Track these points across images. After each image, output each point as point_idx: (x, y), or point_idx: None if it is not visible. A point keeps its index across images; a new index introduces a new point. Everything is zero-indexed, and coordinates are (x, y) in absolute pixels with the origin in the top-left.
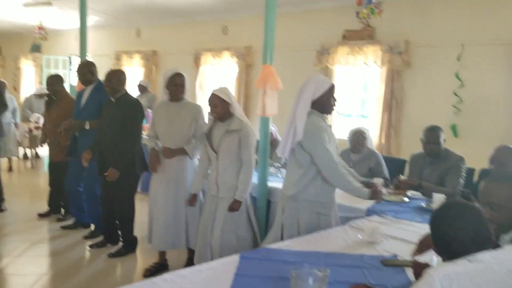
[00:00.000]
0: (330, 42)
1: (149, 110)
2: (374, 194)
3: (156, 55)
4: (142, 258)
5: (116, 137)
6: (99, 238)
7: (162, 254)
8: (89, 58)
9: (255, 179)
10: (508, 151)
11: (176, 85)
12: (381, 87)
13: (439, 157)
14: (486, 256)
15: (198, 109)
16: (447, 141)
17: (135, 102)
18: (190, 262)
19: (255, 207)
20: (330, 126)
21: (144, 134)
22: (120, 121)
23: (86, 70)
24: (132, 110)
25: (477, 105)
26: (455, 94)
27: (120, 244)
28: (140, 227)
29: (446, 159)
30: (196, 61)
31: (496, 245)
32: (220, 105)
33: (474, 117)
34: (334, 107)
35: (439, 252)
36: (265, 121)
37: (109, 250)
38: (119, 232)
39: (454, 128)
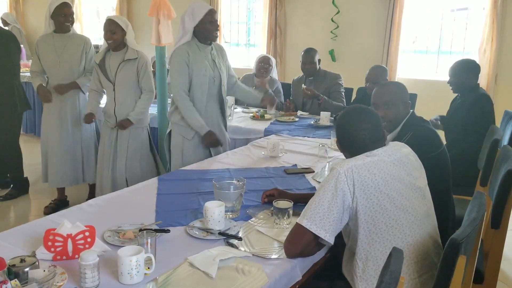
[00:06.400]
0: None
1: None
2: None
3: None
4: (37, 199)
5: None
6: None
7: (61, 190)
8: None
9: (154, 110)
10: (380, 70)
11: (65, 16)
12: (265, 15)
13: (315, 76)
14: (379, 151)
15: (86, 41)
16: (327, 65)
17: (5, 33)
18: (91, 197)
19: (156, 137)
20: (215, 54)
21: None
22: None
23: None
24: (1, 43)
25: (352, 30)
26: (332, 21)
27: (11, 186)
28: (30, 169)
29: (324, 79)
30: None
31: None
32: (118, 32)
33: (349, 41)
34: (214, 34)
35: (343, 150)
36: (161, 51)
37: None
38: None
39: (332, 53)
